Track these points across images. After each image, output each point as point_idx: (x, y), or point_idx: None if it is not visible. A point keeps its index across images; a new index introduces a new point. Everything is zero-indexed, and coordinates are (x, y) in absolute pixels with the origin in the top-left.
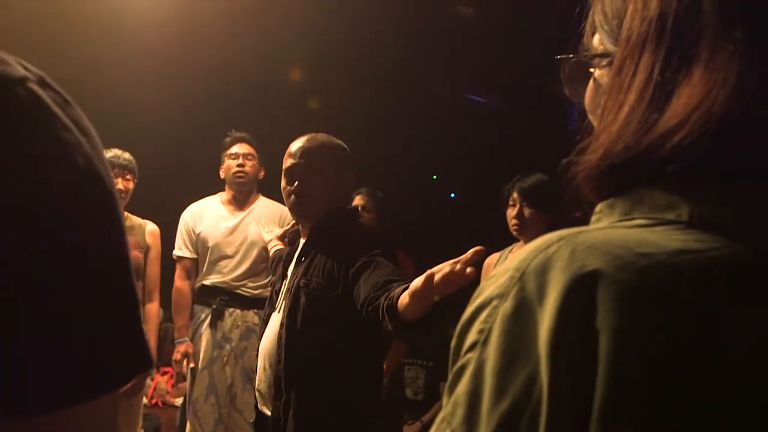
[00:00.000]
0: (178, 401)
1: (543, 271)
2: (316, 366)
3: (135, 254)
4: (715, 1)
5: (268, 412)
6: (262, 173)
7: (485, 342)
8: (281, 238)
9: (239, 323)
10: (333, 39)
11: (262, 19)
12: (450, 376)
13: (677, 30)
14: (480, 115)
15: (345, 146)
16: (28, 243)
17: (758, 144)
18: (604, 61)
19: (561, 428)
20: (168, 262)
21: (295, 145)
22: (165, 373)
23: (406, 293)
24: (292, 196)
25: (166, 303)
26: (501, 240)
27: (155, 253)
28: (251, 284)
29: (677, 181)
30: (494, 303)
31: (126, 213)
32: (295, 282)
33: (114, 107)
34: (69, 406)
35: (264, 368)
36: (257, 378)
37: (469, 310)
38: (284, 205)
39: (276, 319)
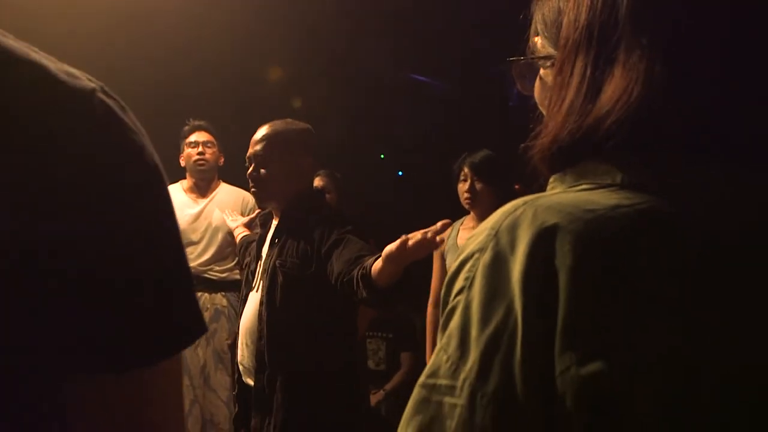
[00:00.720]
0: None
1: (513, 228)
2: (295, 339)
3: None
4: (628, 15)
5: (251, 382)
6: (222, 160)
7: (470, 287)
8: (247, 225)
9: (208, 306)
10: (281, 23)
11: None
12: (442, 318)
13: (601, 37)
14: (422, 94)
15: (307, 129)
16: (126, 226)
17: (668, 123)
18: (548, 63)
19: (533, 344)
20: None
21: (258, 133)
22: None
23: (379, 260)
24: (254, 181)
25: None
26: (451, 213)
27: None
28: (218, 268)
29: (611, 155)
30: (476, 256)
31: None
32: (271, 262)
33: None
34: (163, 358)
35: (246, 344)
36: (239, 353)
37: (455, 264)
38: (245, 190)
39: (254, 297)
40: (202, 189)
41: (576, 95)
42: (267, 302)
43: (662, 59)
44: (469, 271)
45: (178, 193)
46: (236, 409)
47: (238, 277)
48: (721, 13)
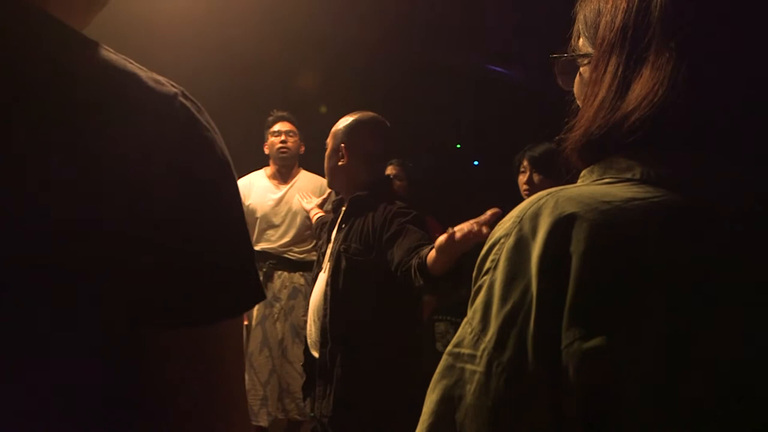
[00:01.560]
0: None
1: (535, 216)
2: (356, 319)
3: None
4: (660, 18)
5: (317, 355)
6: (303, 149)
7: (495, 268)
8: (320, 206)
9: (287, 284)
10: (355, 24)
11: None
12: (471, 294)
13: (634, 39)
14: (500, 85)
15: (379, 120)
16: (200, 206)
17: (688, 122)
18: (586, 60)
19: (545, 319)
20: None
21: (337, 125)
22: None
23: (433, 250)
24: (328, 169)
25: None
26: (516, 203)
27: None
28: (297, 249)
29: (635, 150)
30: (502, 240)
31: None
32: (337, 247)
33: None
34: (227, 318)
35: (313, 320)
36: (308, 328)
37: (485, 247)
38: (323, 177)
39: (322, 278)
40: (284, 175)
41: (607, 92)
42: (331, 283)
43: (688, 62)
44: (495, 254)
45: (262, 179)
46: (303, 379)
47: (315, 258)
48: (750, 21)
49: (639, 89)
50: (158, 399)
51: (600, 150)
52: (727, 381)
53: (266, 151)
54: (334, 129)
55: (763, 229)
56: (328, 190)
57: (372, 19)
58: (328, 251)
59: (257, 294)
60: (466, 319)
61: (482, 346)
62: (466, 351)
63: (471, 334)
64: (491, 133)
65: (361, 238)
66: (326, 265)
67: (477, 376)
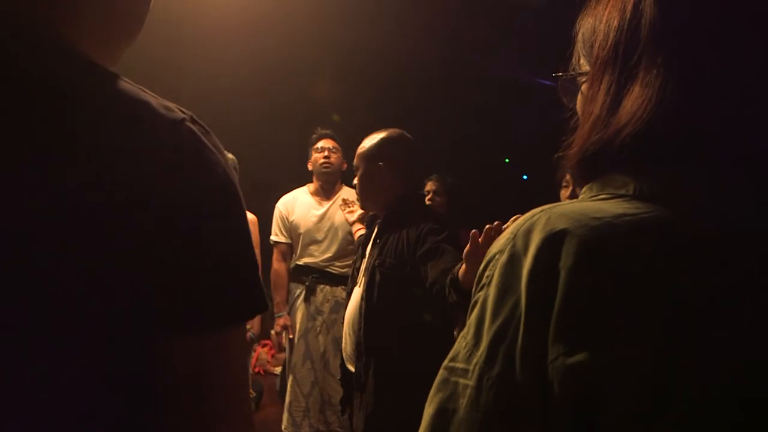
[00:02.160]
0: (277, 370)
1: (528, 233)
2: (390, 332)
3: None
4: (648, 35)
5: (353, 369)
6: (345, 165)
7: (489, 284)
8: (361, 220)
9: (329, 298)
10: (405, 36)
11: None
12: (469, 309)
13: (626, 56)
14: (549, 98)
15: (409, 138)
16: (201, 221)
17: (678, 137)
18: (584, 78)
19: (532, 335)
20: (263, 248)
21: (364, 143)
22: (265, 345)
23: (463, 263)
24: (360, 188)
25: (266, 286)
26: None
27: (255, 240)
28: (339, 264)
29: (630, 166)
30: (496, 257)
31: None
32: (372, 261)
33: (212, 114)
34: (231, 326)
35: (348, 334)
36: (343, 341)
37: (483, 263)
38: None
39: (357, 292)
40: (327, 191)
41: (601, 109)
42: (366, 298)
43: (676, 77)
44: (490, 269)
45: (305, 195)
46: (343, 392)
47: None
48: (737, 35)
49: (629, 105)
50: (161, 404)
51: (596, 166)
52: (714, 403)
53: (310, 167)
54: (360, 150)
55: (753, 243)
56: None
57: (426, 31)
58: (363, 266)
59: (258, 304)
60: (461, 334)
61: (474, 361)
62: (460, 365)
63: (465, 349)
64: (541, 148)
65: (395, 253)
66: (361, 279)
67: (469, 390)
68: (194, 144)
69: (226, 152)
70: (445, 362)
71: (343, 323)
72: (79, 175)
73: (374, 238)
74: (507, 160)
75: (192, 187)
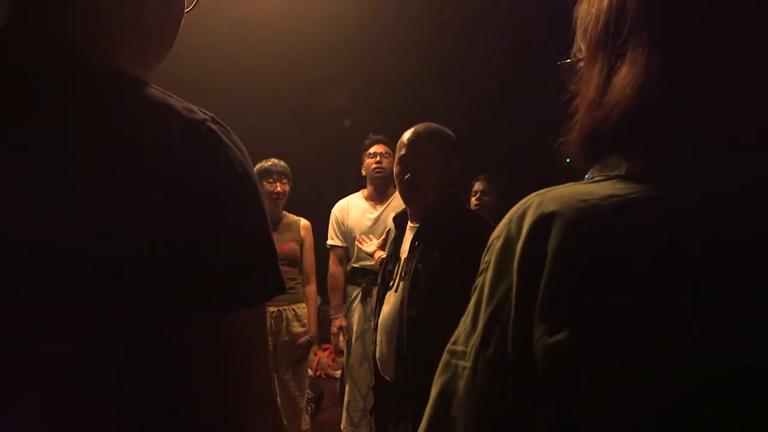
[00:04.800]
0: (338, 373)
1: (521, 217)
2: (434, 340)
3: (293, 246)
4: (634, 12)
5: (388, 378)
6: None
7: (486, 269)
8: (381, 247)
9: None
10: (453, 39)
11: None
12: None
13: (615, 35)
14: None
15: (452, 134)
16: (221, 210)
17: (666, 114)
18: (582, 63)
19: (522, 316)
20: (318, 252)
21: (405, 136)
22: (326, 349)
23: None
24: (403, 184)
25: (320, 288)
26: None
27: (309, 244)
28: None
29: (623, 148)
30: (494, 242)
31: (284, 212)
32: (413, 265)
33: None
34: (251, 305)
35: (382, 341)
36: (377, 349)
37: (486, 249)
38: None
39: (393, 297)
40: (380, 195)
41: (594, 91)
42: (408, 303)
43: (661, 52)
44: (489, 255)
45: (360, 200)
46: (373, 401)
47: None
48: (723, 8)
49: (618, 85)
50: (183, 380)
51: (595, 148)
52: (695, 385)
53: (363, 172)
54: (400, 141)
55: (739, 222)
56: (385, 230)
57: (473, 32)
58: (398, 269)
59: (275, 286)
60: (462, 318)
61: (471, 343)
62: (459, 348)
63: (464, 332)
64: None
65: (438, 255)
66: (398, 283)
67: (467, 372)
68: (214, 142)
69: (276, 160)
70: (448, 345)
71: None
72: (108, 171)
73: (412, 241)
74: (568, 161)
75: (212, 180)
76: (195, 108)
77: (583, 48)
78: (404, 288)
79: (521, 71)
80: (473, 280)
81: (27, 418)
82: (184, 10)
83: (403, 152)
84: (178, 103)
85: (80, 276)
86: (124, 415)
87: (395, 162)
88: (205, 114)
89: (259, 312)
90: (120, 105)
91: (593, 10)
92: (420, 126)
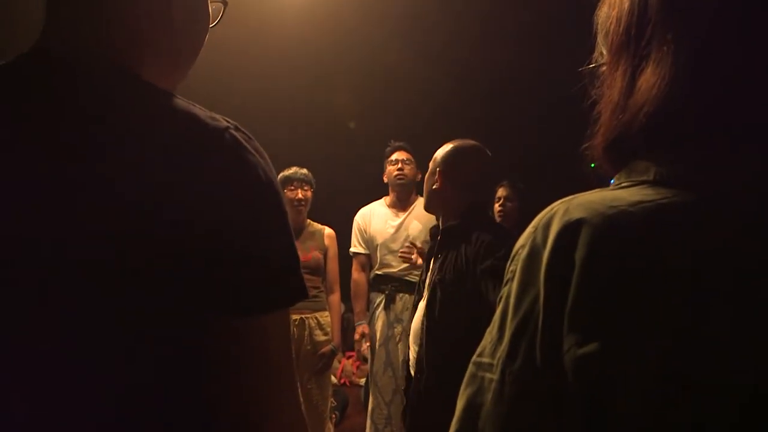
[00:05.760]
0: (363, 381)
1: (547, 225)
2: (451, 348)
3: (316, 255)
4: (657, 11)
5: None
6: (419, 176)
7: (512, 279)
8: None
9: (409, 306)
10: (479, 45)
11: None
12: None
13: (638, 37)
14: None
15: (479, 149)
16: (245, 216)
17: (694, 116)
18: (605, 67)
19: (550, 327)
20: (342, 260)
21: (439, 150)
22: (350, 357)
23: None
24: (427, 193)
25: (344, 296)
26: None
27: (333, 252)
28: (417, 272)
29: (651, 152)
30: (519, 251)
31: (308, 220)
32: (433, 277)
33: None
34: (275, 309)
35: (412, 347)
36: (410, 354)
37: (510, 258)
38: None
39: (421, 306)
40: (402, 202)
41: (618, 94)
42: (428, 313)
43: (687, 53)
44: (514, 264)
45: (382, 207)
46: (404, 403)
47: None
48: (748, 4)
49: (644, 86)
50: (203, 386)
51: (621, 154)
52: (728, 397)
53: (385, 179)
54: (436, 154)
55: None
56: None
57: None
58: (427, 280)
59: (298, 292)
60: (488, 329)
61: (498, 355)
62: (486, 360)
63: (490, 344)
64: None
65: (455, 268)
66: (425, 293)
67: (494, 385)
68: (237, 149)
69: (298, 168)
70: (474, 357)
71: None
72: (135, 178)
73: (436, 253)
74: (593, 166)
75: (235, 186)
76: (218, 116)
77: (605, 52)
78: (426, 298)
79: (541, 72)
80: (480, 292)
81: (36, 420)
82: (209, 26)
83: (433, 162)
84: (201, 111)
85: (106, 279)
86: (146, 418)
87: (428, 171)
88: (228, 122)
89: (283, 318)
90: (148, 114)
91: (614, 13)
92: (449, 143)
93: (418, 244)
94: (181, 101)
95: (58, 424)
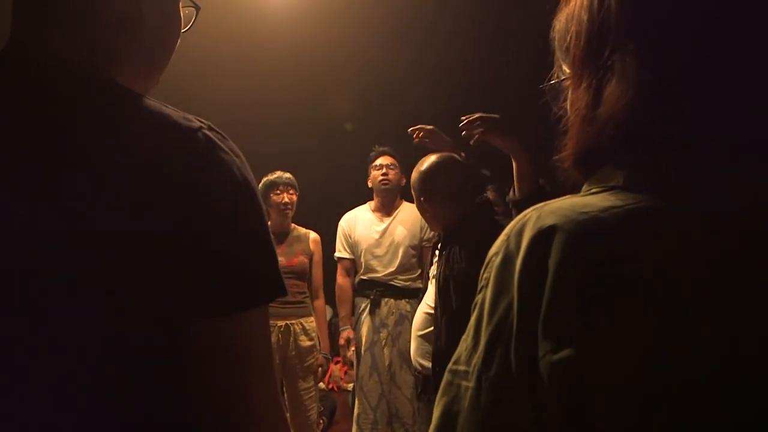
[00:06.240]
0: (350, 386)
1: (520, 232)
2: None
3: (302, 259)
4: (617, 20)
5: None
6: (404, 181)
7: (486, 286)
8: None
9: (393, 311)
10: (482, 46)
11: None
12: (471, 313)
13: (600, 48)
14: None
15: (444, 161)
16: (222, 215)
17: (660, 123)
18: (568, 82)
19: (524, 333)
20: (326, 265)
21: (412, 177)
22: (338, 362)
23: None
24: (424, 219)
25: (330, 300)
26: None
27: (318, 257)
28: (401, 278)
29: (619, 159)
30: (493, 259)
31: (293, 225)
32: (441, 271)
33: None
34: (254, 306)
35: (414, 338)
36: (411, 348)
37: (484, 265)
38: None
39: (429, 297)
40: (387, 207)
41: (585, 106)
42: (443, 307)
43: (650, 61)
44: (487, 272)
45: (366, 212)
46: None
47: (420, 285)
48: (703, 8)
49: (610, 98)
50: (187, 378)
51: (590, 162)
52: (704, 401)
53: (369, 184)
54: (411, 181)
55: (741, 230)
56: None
57: (483, 40)
58: (431, 273)
59: (277, 288)
60: (463, 337)
61: (473, 362)
62: (462, 368)
63: (466, 351)
64: None
65: (462, 259)
66: (433, 288)
67: (469, 392)
68: (211, 148)
69: (281, 172)
70: (450, 365)
71: (408, 335)
72: (108, 180)
73: (440, 250)
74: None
75: (209, 185)
76: (191, 117)
77: (567, 67)
78: (435, 293)
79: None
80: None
81: (30, 419)
82: (181, 30)
83: (413, 191)
84: (174, 112)
85: (85, 281)
86: (130, 416)
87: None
88: (201, 122)
89: (263, 314)
90: (118, 116)
91: (572, 28)
92: (430, 158)
93: (401, 250)
94: (153, 102)
95: (39, 424)
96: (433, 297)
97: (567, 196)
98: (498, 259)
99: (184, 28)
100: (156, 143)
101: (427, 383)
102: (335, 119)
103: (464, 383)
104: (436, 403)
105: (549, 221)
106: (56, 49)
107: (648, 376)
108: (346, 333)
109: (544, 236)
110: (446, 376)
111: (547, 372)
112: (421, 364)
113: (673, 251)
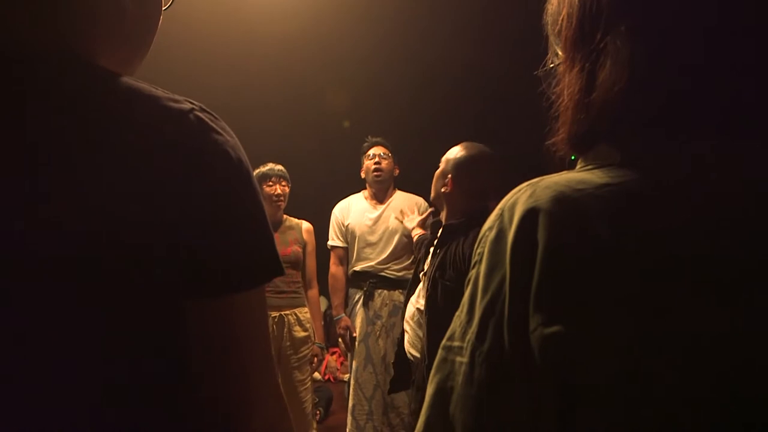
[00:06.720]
0: (347, 377)
1: (513, 207)
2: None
3: (296, 249)
4: (609, 6)
5: (410, 357)
6: (397, 171)
7: (480, 261)
8: (422, 224)
9: (387, 302)
10: (477, 44)
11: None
12: (464, 289)
13: (592, 30)
14: None
15: (489, 156)
16: (218, 197)
17: (655, 103)
18: (562, 66)
19: (517, 307)
20: (319, 256)
21: (450, 152)
22: (334, 353)
23: None
24: (435, 190)
25: (324, 291)
26: None
27: (311, 247)
28: (395, 267)
29: (616, 137)
30: (486, 233)
31: (285, 215)
32: (432, 271)
33: (266, 126)
34: (251, 288)
35: (407, 328)
36: (406, 335)
37: (478, 240)
38: (419, 196)
39: (417, 294)
40: (380, 196)
41: (579, 89)
42: (428, 307)
43: (643, 42)
44: (481, 246)
45: (360, 201)
46: (393, 374)
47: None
48: None
49: (604, 80)
50: (186, 359)
51: (585, 144)
52: (691, 378)
53: (362, 175)
54: (447, 155)
55: (736, 210)
56: (428, 209)
57: (475, 36)
58: (425, 267)
59: (272, 268)
60: (457, 313)
61: (467, 338)
62: (456, 344)
63: (460, 327)
64: None
65: (454, 265)
66: (424, 283)
67: (463, 368)
68: (203, 129)
69: (273, 164)
70: (443, 341)
71: (402, 326)
72: (100, 165)
73: (435, 249)
74: (573, 158)
75: (202, 166)
76: (181, 98)
77: (560, 51)
78: (425, 292)
79: (526, 75)
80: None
81: (24, 410)
82: (161, 9)
83: (442, 168)
84: (163, 94)
85: (78, 270)
86: (129, 406)
87: (439, 168)
88: (193, 103)
89: (261, 295)
90: (106, 99)
91: (564, 11)
92: (466, 146)
93: (395, 237)
94: (142, 84)
95: (39, 417)
96: (423, 294)
97: (564, 172)
98: (492, 234)
99: (165, 5)
100: (147, 127)
101: (403, 367)
102: (330, 116)
103: (458, 359)
104: (429, 380)
105: (542, 196)
106: (36, 34)
107: (637, 355)
108: (343, 321)
109: (536, 211)
110: (440, 353)
111: (538, 345)
112: (413, 355)
113: (664, 230)
